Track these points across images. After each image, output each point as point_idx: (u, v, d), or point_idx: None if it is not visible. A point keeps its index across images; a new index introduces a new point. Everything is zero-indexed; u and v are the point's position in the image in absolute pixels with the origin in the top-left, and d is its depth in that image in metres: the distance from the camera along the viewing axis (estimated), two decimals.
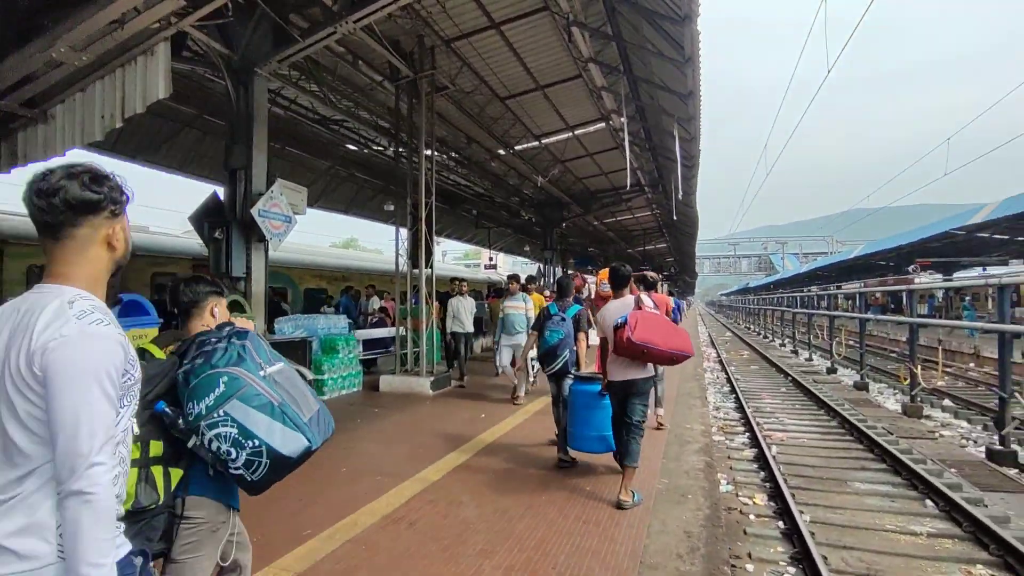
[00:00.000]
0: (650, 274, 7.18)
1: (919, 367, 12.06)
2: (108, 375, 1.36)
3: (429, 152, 10.05)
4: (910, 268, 14.41)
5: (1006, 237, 21.85)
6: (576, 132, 14.52)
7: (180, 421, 2.03)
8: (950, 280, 23.84)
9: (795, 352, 24.05)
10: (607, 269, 7.37)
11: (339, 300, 15.95)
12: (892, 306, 34.37)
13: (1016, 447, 8.60)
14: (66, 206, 1.41)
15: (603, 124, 14.03)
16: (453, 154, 15.50)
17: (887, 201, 46.75)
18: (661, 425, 7.24)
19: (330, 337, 9.11)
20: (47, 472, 1.32)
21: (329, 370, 8.75)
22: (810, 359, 21.54)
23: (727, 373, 16.92)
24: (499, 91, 11.63)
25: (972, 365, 19.00)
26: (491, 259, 30.53)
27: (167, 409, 2.04)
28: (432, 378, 9.25)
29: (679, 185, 13.82)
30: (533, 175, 16.67)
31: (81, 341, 1.33)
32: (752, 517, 6.07)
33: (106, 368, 1.35)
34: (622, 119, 10.97)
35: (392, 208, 9.55)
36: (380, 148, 14.03)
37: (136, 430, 1.82)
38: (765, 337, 33.04)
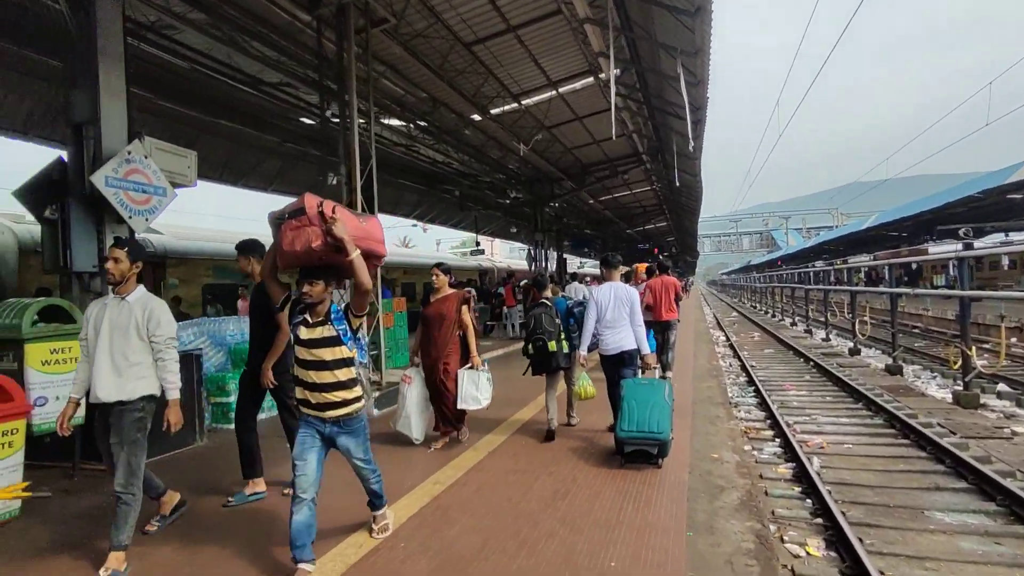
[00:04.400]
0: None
1: (973, 348, 10.16)
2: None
3: (366, 107, 8.06)
4: (961, 231, 12.43)
5: None
6: (560, 90, 12.52)
7: None
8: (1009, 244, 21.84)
9: (809, 332, 22.15)
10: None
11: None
12: (906, 279, 32.53)
13: None
14: None
15: (591, 79, 12.05)
16: (420, 123, 13.48)
17: (887, 174, 44.79)
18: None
19: (241, 346, 7.17)
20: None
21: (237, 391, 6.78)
22: (827, 339, 19.63)
23: (741, 360, 15.03)
24: (462, 34, 9.64)
25: (1015, 340, 17.09)
26: (477, 244, 28.52)
27: None
28: (377, 392, 7.33)
29: (687, 142, 11.79)
30: (515, 143, 14.66)
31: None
32: None
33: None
34: (612, 68, 8.95)
35: (335, 182, 7.55)
36: (312, 110, 11.83)
37: None
38: (774, 316, 31.12)
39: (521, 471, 4.83)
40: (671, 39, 8.52)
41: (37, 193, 5.53)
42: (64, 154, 5.75)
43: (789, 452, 7.36)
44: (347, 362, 3.34)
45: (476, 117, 13.54)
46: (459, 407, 5.60)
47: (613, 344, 5.67)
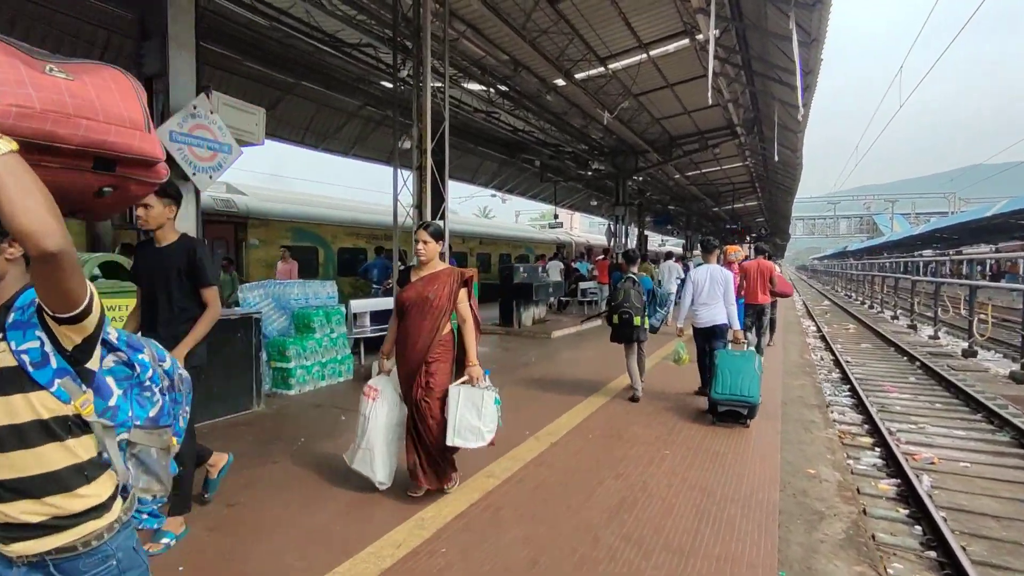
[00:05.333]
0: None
1: None
2: None
3: (443, 67, 7.61)
4: None
5: None
6: (651, 52, 11.58)
7: None
8: None
9: (913, 327, 20.14)
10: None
11: (371, 262, 14.01)
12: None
13: None
14: None
15: (686, 40, 11.03)
16: (501, 87, 12.92)
17: (1017, 157, 39.96)
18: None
19: (304, 311, 7.01)
20: None
21: (298, 356, 6.69)
22: (935, 337, 17.72)
23: (834, 354, 13.77)
24: None
25: None
26: (556, 216, 27.84)
27: None
28: None
29: (791, 112, 10.67)
30: (599, 111, 13.84)
31: None
32: None
33: None
34: (712, 27, 8.01)
35: (407, 146, 7.21)
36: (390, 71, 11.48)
37: None
38: (871, 307, 28.71)
39: (585, 470, 4.35)
40: None
41: None
42: None
43: (892, 465, 6.49)
44: (66, 427, 1.41)
45: (559, 82, 12.82)
46: (448, 443, 3.72)
47: (707, 318, 6.41)
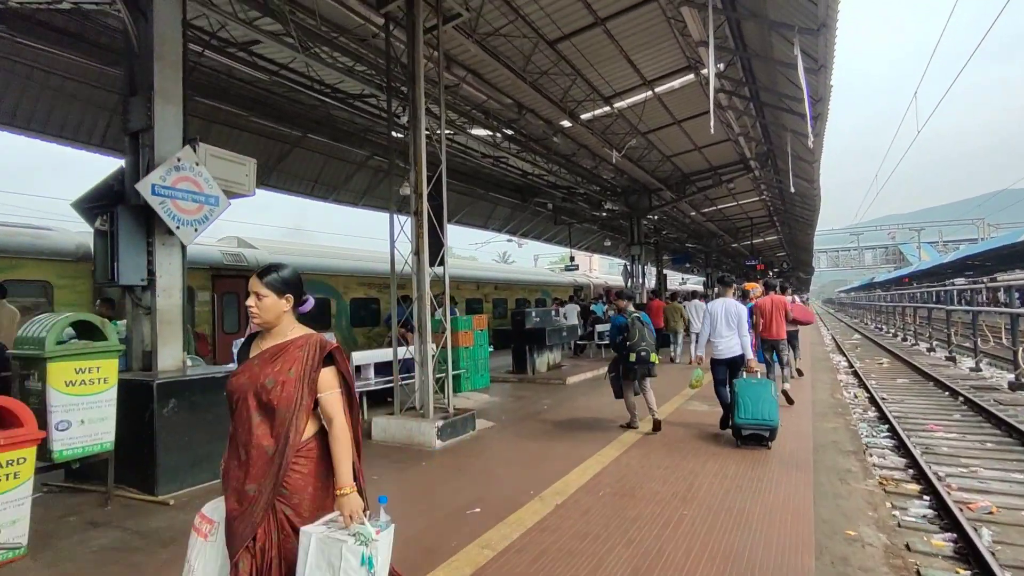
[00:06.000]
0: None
1: None
2: None
3: (439, 111, 7.48)
4: None
5: None
6: (656, 89, 11.44)
7: None
8: None
9: (952, 359, 19.15)
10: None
11: (390, 312, 13.75)
12: None
13: None
14: None
15: (691, 75, 10.90)
16: (506, 131, 12.88)
17: None
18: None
19: None
20: None
21: None
22: (977, 369, 16.76)
23: (869, 391, 13.00)
24: (545, 30, 8.90)
25: None
26: (572, 259, 27.58)
27: None
28: (441, 421, 6.59)
29: (803, 141, 10.37)
30: (607, 150, 13.69)
31: None
32: None
33: None
34: (712, 55, 7.82)
35: (405, 192, 7.04)
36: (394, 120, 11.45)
37: None
38: (904, 339, 27.58)
39: (594, 536, 3.89)
40: (786, 15, 7.28)
41: (94, 203, 5.37)
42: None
43: (945, 516, 5.85)
44: None
45: (566, 123, 12.74)
46: None
47: (727, 350, 6.87)
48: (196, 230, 5.35)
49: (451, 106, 11.27)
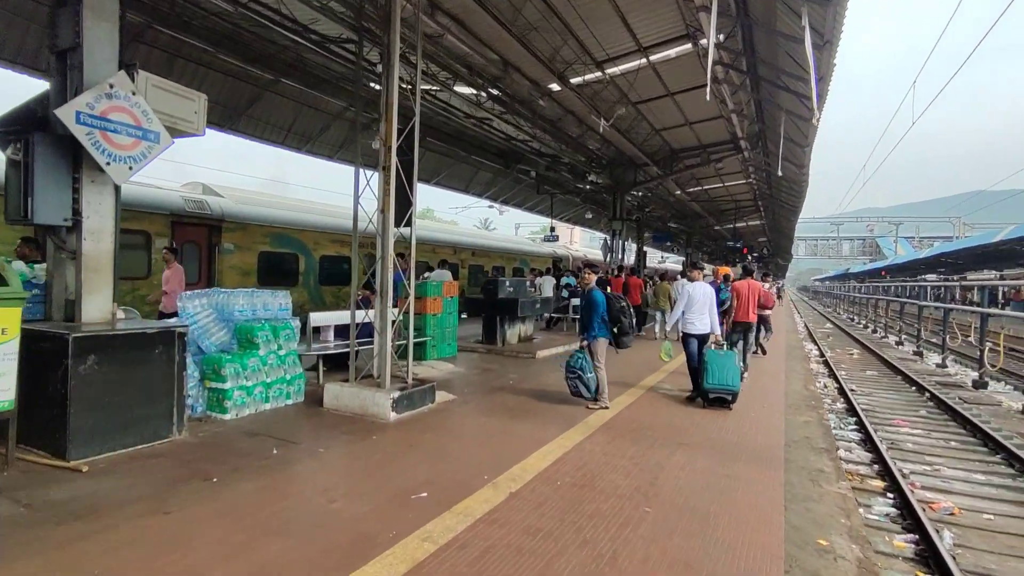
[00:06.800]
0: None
1: None
2: None
3: (414, 57, 6.88)
4: None
5: None
6: (651, 57, 10.89)
7: None
8: None
9: (919, 354, 19.32)
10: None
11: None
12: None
13: None
14: None
15: (689, 45, 10.37)
16: (491, 90, 12.24)
17: (1020, 184, 39.41)
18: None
19: (247, 325, 6.23)
20: None
21: (236, 376, 5.88)
22: (943, 365, 16.91)
23: (838, 381, 12.98)
24: None
25: None
26: (552, 229, 27.13)
27: None
28: (397, 392, 6.18)
29: (798, 123, 9.98)
30: (595, 118, 13.14)
31: None
32: None
33: None
34: (713, 19, 7.30)
35: (377, 146, 6.47)
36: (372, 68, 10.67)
37: None
38: (875, 332, 27.90)
39: (546, 532, 3.56)
40: None
41: (7, 128, 4.75)
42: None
43: (908, 515, 5.72)
44: None
45: (554, 86, 12.15)
46: None
47: (701, 326, 7.77)
48: (131, 168, 4.78)
49: (432, 57, 10.59)
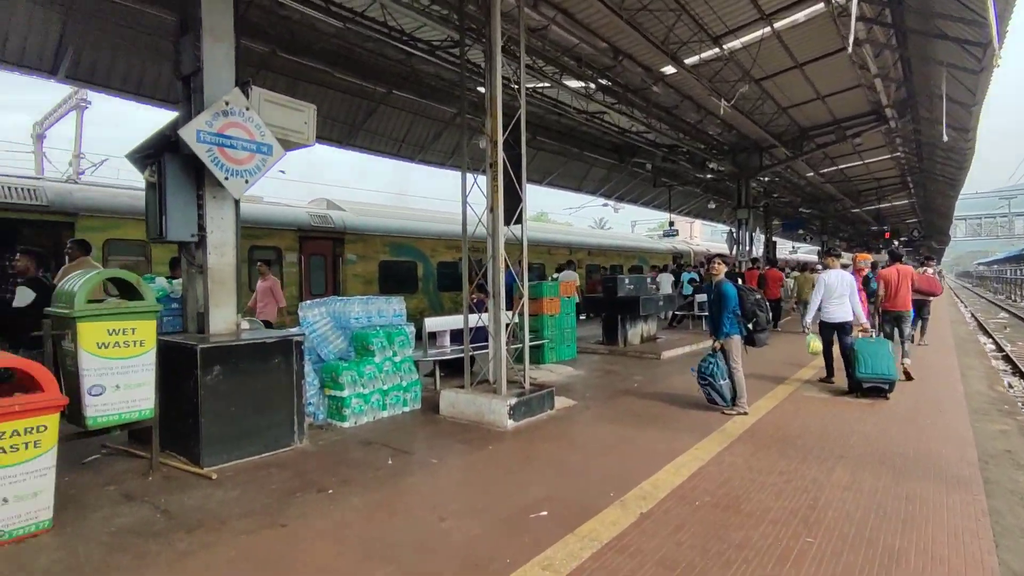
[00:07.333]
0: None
1: None
2: None
3: (517, 49, 6.57)
4: None
5: None
6: (775, 24, 9.86)
7: None
8: None
9: None
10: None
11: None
12: None
13: None
14: None
15: (820, 4, 9.24)
16: (601, 80, 11.73)
17: None
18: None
19: (362, 332, 6.22)
20: None
21: (353, 384, 5.86)
22: None
23: None
24: None
25: None
26: (671, 224, 25.85)
27: None
28: (514, 399, 5.87)
29: (963, 80, 8.55)
30: (715, 100, 12.18)
31: None
32: None
33: None
34: None
35: (483, 144, 6.29)
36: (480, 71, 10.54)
37: None
38: None
39: (683, 566, 3.04)
40: None
41: (145, 153, 5.04)
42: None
43: None
44: None
45: (668, 69, 11.39)
46: None
47: (839, 315, 7.46)
48: (247, 181, 4.89)
49: (538, 52, 10.30)
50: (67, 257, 6.69)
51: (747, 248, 19.68)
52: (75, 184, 10.53)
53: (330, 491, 4.10)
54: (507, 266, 6.38)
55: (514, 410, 5.75)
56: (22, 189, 8.65)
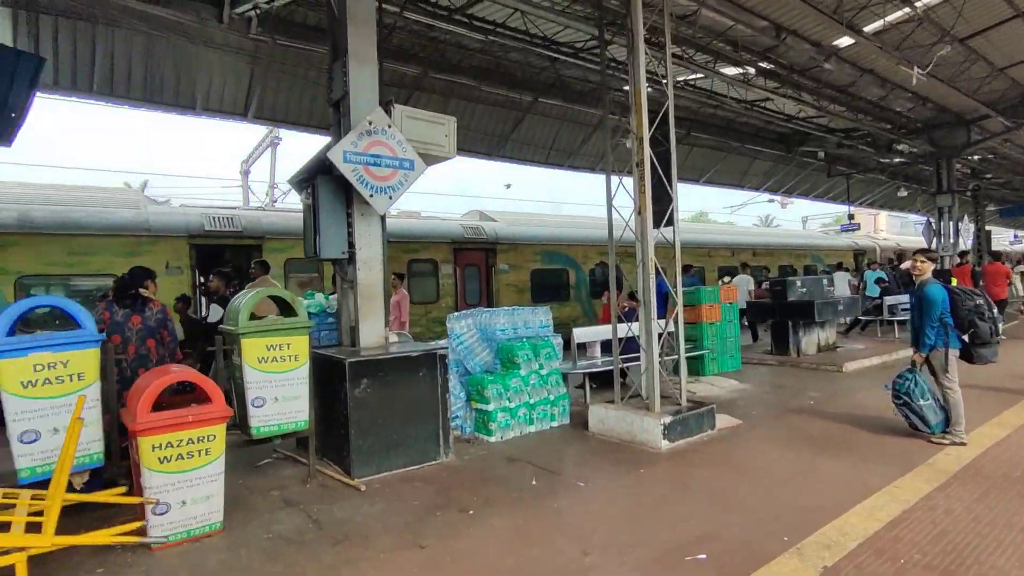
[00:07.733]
0: None
1: None
2: None
3: (664, 40, 6.06)
4: None
5: None
6: None
7: None
8: None
9: None
10: None
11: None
12: None
13: None
14: None
15: None
16: (761, 64, 10.67)
17: None
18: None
19: (507, 344, 6.07)
20: None
21: (499, 397, 5.72)
22: None
23: None
24: None
25: None
26: (851, 217, 22.98)
27: None
28: (669, 417, 5.34)
29: None
30: (903, 70, 10.50)
31: None
32: None
33: None
34: None
35: (628, 143, 5.94)
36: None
37: None
38: None
39: None
40: None
41: (302, 178, 5.39)
42: None
43: None
44: None
45: (842, 42, 10.03)
46: None
47: None
48: (391, 197, 5.01)
49: (687, 40, 9.61)
50: (251, 276, 7.47)
51: (951, 240, 16.82)
52: (262, 211, 11.89)
53: (471, 511, 3.98)
54: (660, 271, 5.90)
55: (669, 429, 5.24)
56: (223, 218, 9.93)
